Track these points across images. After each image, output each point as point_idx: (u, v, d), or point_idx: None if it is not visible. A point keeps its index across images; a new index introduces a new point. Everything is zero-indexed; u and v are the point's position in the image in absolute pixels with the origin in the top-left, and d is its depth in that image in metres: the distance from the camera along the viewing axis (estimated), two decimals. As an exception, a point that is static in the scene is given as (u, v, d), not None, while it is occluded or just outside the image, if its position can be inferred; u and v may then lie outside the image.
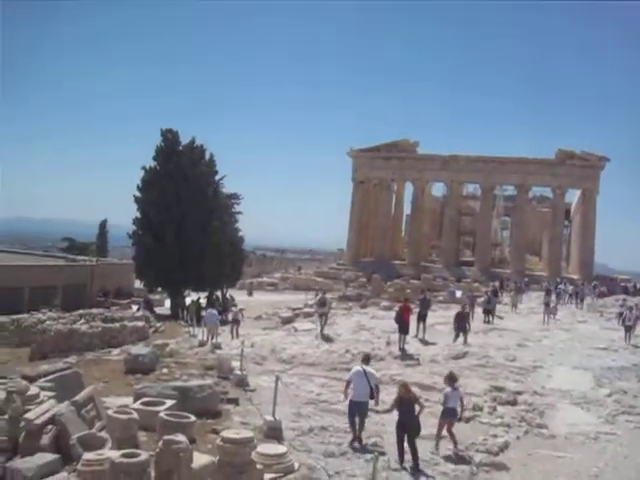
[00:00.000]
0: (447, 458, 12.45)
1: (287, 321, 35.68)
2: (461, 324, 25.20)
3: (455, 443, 12.92)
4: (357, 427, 12.93)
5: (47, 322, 28.07)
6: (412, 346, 23.86)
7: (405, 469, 11.64)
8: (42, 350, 24.43)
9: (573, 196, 71.88)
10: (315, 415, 14.81)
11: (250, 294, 55.56)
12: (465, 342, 24.50)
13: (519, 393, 17.93)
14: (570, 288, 48.21)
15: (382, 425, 14.03)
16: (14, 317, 29.65)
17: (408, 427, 11.98)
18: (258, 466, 9.42)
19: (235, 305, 37.38)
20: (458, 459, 12.44)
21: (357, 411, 12.91)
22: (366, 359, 13.80)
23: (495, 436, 14.22)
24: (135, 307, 38.86)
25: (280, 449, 10.16)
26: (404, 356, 22.38)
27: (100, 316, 30.85)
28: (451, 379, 13.38)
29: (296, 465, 10.26)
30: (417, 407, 12.23)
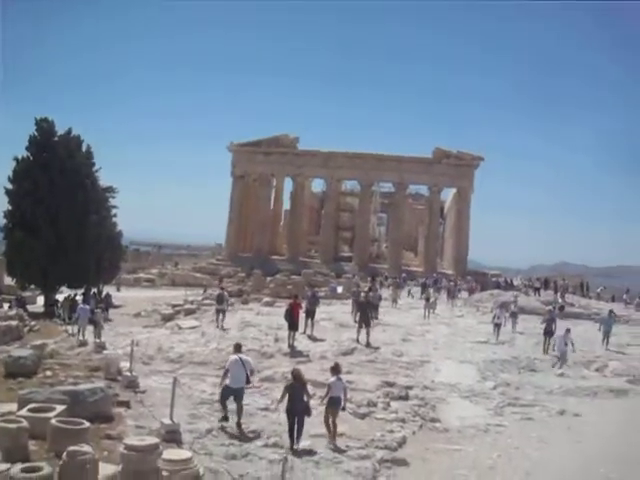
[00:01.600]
0: (349, 456, 12.43)
1: (168, 318, 34.92)
2: (364, 316, 24.60)
3: (334, 435, 13.12)
4: (236, 413, 13.62)
5: None
6: (301, 343, 23.83)
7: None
8: None
9: (449, 193, 74.15)
10: (211, 416, 14.40)
11: (118, 290, 53.26)
12: (368, 340, 24.10)
13: (410, 388, 18.27)
14: (446, 283, 49.82)
15: (279, 424, 13.83)
16: None
17: (298, 412, 12.53)
18: (164, 473, 9.04)
19: (101, 308, 33.92)
20: (360, 457, 12.44)
21: (233, 396, 13.65)
22: (238, 348, 14.59)
23: (392, 431, 14.39)
24: (6, 305, 36.79)
25: (185, 454, 9.77)
26: (294, 353, 22.33)
27: (-32, 316, 28.92)
28: (335, 370, 13.88)
29: (201, 470, 9.92)
30: (305, 396, 12.76)
